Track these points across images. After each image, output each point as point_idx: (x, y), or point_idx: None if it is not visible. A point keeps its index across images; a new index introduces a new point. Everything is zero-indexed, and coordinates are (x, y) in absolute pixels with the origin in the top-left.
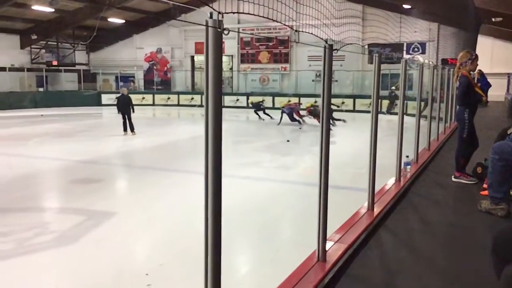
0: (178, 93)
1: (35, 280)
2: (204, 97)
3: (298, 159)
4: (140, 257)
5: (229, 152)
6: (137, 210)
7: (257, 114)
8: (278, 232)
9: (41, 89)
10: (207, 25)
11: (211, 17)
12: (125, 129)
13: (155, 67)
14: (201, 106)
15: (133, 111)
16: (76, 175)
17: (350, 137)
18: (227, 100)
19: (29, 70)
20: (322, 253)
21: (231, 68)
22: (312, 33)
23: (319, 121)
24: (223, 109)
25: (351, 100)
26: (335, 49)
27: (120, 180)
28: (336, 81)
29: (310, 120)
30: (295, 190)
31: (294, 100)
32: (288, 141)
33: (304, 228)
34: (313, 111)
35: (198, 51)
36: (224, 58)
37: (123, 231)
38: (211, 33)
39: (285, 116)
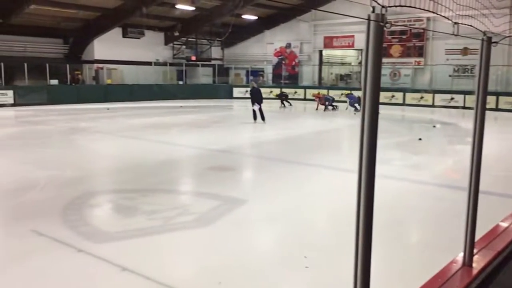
0: (305, 87)
1: (177, 255)
2: (361, 93)
3: (432, 159)
4: (269, 246)
5: (357, 148)
6: (267, 200)
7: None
8: (406, 234)
9: (180, 82)
10: (369, 19)
11: (373, 11)
12: (255, 118)
13: (283, 62)
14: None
15: (262, 102)
16: (212, 163)
17: (491, 137)
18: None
19: (171, 64)
20: (469, 258)
21: (360, 63)
22: (471, 25)
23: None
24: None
25: (494, 97)
26: (494, 42)
27: (251, 170)
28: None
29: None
30: (427, 192)
31: (323, 92)
32: (420, 139)
33: (435, 231)
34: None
35: (326, 45)
36: (353, 52)
37: (254, 219)
38: (372, 27)
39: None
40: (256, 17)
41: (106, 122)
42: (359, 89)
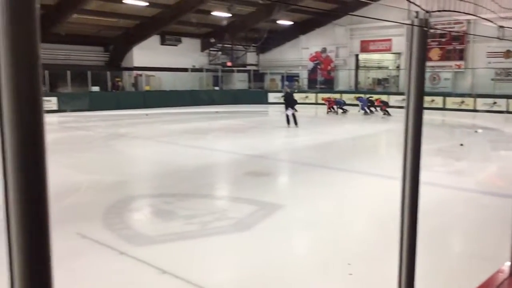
0: (341, 92)
1: (215, 259)
2: (405, 97)
3: (475, 165)
4: (308, 252)
5: (396, 154)
6: (305, 205)
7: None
8: (451, 242)
9: (216, 88)
10: (412, 24)
11: (417, 16)
12: (288, 123)
13: (319, 67)
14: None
15: (295, 107)
16: (248, 168)
17: None
18: (392, 100)
19: (207, 70)
20: None
21: (398, 67)
22: None
23: None
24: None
25: None
26: None
27: (287, 175)
28: None
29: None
30: (471, 199)
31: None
32: (462, 145)
33: (480, 239)
34: None
35: (363, 49)
36: (390, 56)
37: (291, 225)
38: (416, 32)
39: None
40: (291, 22)
41: (144, 127)
42: (397, 93)
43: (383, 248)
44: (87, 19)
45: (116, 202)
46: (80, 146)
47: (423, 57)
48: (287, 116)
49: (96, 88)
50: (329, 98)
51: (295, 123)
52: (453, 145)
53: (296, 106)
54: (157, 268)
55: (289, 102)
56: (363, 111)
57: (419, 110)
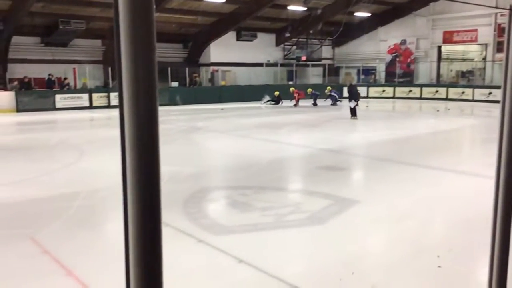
0: (421, 85)
1: (290, 251)
2: (502, 89)
3: None
4: (383, 247)
5: (478, 151)
6: (380, 201)
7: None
8: None
9: (290, 82)
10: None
11: None
12: (352, 114)
13: (397, 59)
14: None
15: (358, 99)
16: (322, 162)
17: None
18: (477, 93)
19: (281, 65)
20: None
21: (484, 58)
22: None
23: None
24: (471, 103)
25: None
26: None
27: (361, 170)
28: None
29: None
30: None
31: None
32: None
33: None
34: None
35: (446, 40)
36: (476, 47)
37: (366, 220)
38: None
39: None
40: (369, 14)
41: (220, 121)
42: (482, 86)
43: (470, 245)
44: (169, 17)
45: (195, 192)
46: (162, 139)
47: None
48: (350, 108)
49: (175, 84)
50: (299, 90)
51: (355, 114)
52: None
53: (372, 101)
54: (233, 256)
55: (352, 95)
56: (331, 102)
57: None
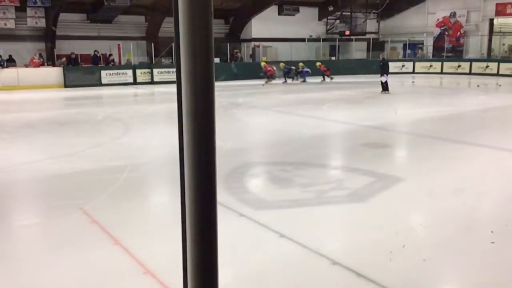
0: (470, 60)
1: (331, 227)
2: None
3: None
4: (430, 223)
5: None
6: (425, 178)
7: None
8: None
9: (333, 58)
10: None
11: None
12: (383, 89)
13: (446, 33)
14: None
15: (388, 74)
16: (364, 139)
17: None
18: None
19: (324, 40)
20: None
21: None
22: None
23: None
24: None
25: None
26: None
27: (405, 147)
28: None
29: None
30: None
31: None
32: None
33: None
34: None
35: (499, 13)
36: None
37: (411, 197)
38: None
39: None
40: None
41: (261, 97)
42: None
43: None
44: None
45: (236, 167)
46: None
47: None
48: (381, 82)
49: (216, 60)
50: (268, 65)
51: (386, 89)
52: None
53: (418, 76)
54: (275, 231)
55: (384, 69)
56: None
57: None
